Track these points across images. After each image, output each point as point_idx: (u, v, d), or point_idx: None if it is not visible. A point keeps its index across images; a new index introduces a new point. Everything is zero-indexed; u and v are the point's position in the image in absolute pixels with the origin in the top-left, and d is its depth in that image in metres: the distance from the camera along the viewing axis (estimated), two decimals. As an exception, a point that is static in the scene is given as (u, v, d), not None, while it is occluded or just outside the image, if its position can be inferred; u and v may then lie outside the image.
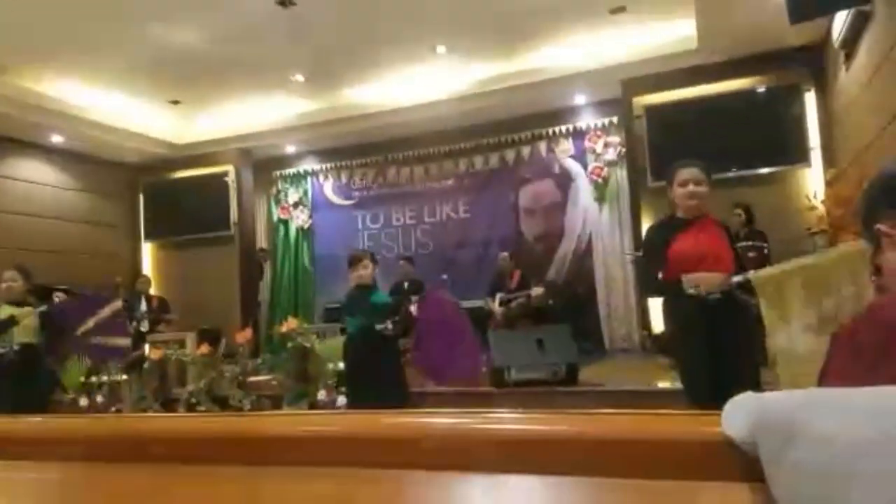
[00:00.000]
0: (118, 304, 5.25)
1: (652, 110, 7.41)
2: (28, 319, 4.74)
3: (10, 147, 8.20)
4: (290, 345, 5.55)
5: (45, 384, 5.08)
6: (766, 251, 5.85)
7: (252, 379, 5.96)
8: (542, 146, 8.74)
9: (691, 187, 3.03)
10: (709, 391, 2.86)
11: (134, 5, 6.02)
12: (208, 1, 5.98)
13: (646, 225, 7.59)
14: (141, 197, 9.77)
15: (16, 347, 4.73)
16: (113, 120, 8.34)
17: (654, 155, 7.29)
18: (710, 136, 6.88)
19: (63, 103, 7.76)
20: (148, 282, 8.68)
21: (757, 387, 2.90)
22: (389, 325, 4.16)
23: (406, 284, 8.13)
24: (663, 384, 4.93)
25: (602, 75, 7.57)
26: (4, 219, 8.07)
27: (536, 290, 7.25)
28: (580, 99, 8.30)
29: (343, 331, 5.87)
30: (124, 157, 9.31)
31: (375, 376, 4.13)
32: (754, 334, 2.96)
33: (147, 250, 9.87)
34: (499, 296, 7.45)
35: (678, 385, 4.77)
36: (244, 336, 5.82)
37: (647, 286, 3.13)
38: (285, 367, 5.59)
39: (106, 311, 5.02)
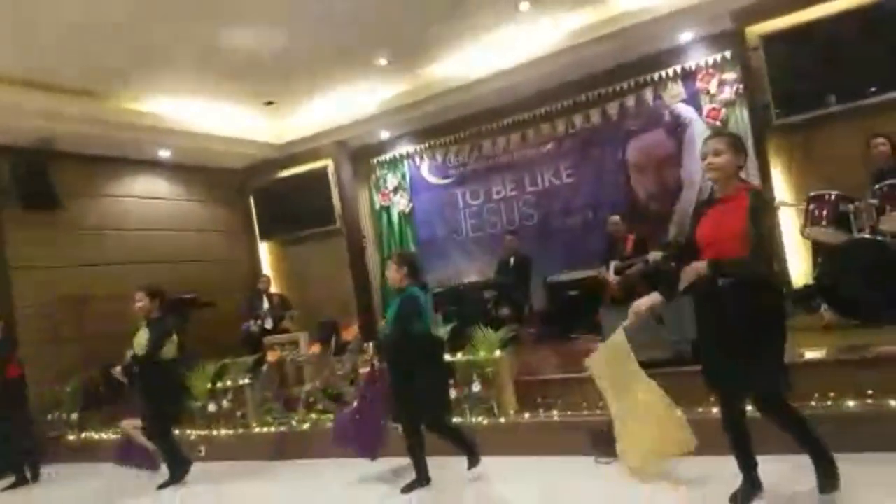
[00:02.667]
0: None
1: (770, 39, 6.48)
2: (141, 336, 4.97)
3: (123, 166, 8.68)
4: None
5: (173, 396, 5.30)
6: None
7: (365, 371, 5.96)
8: (649, 94, 8.00)
9: (708, 159, 2.86)
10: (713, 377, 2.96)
11: (212, 13, 6.06)
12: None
13: (774, 168, 6.78)
14: (252, 199, 10.08)
15: (136, 367, 4.98)
16: (214, 129, 8.59)
17: (778, 89, 6.41)
18: (840, 60, 5.98)
19: (166, 119, 8.08)
20: (268, 281, 8.98)
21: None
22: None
23: (512, 260, 7.82)
24: (810, 353, 4.31)
25: (708, 7, 6.73)
26: (125, 235, 8.59)
27: (654, 255, 6.67)
28: (686, 36, 7.45)
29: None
30: (230, 163, 9.63)
31: (409, 387, 3.90)
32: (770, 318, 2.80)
33: (264, 250, 10.22)
34: (613, 264, 6.95)
35: (820, 354, 4.19)
36: (351, 332, 5.84)
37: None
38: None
39: None
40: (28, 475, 6.02)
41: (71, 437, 6.93)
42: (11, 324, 5.94)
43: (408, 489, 4.02)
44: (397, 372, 3.98)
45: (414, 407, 3.95)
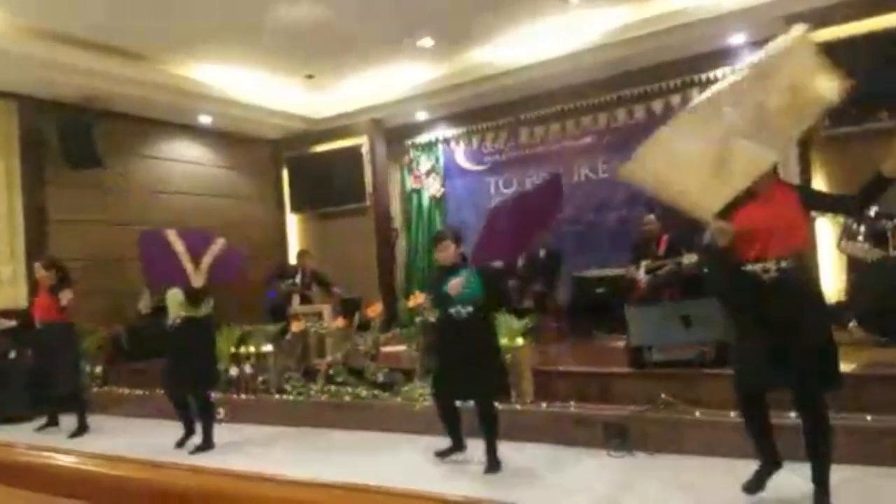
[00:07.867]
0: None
1: (822, 48, 6.31)
2: (177, 294, 5.03)
3: (165, 130, 8.82)
4: (417, 319, 5.51)
5: (213, 351, 5.31)
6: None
7: (386, 349, 6.02)
8: (695, 93, 7.85)
9: None
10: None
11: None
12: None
13: (818, 178, 6.64)
14: (285, 171, 10.17)
15: (177, 322, 5.02)
16: (254, 99, 8.70)
17: (829, 98, 6.26)
18: (894, 75, 5.77)
19: (208, 85, 8.19)
20: (304, 255, 8.68)
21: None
22: (464, 311, 3.96)
23: (542, 252, 7.77)
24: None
25: (761, 11, 6.59)
26: (163, 198, 8.73)
27: (689, 258, 6.56)
28: (737, 39, 7.30)
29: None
30: (267, 133, 9.73)
31: (466, 365, 3.96)
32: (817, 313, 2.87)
33: (293, 222, 10.31)
34: (644, 263, 6.87)
35: (845, 369, 4.11)
36: (374, 310, 5.86)
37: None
38: (415, 341, 5.56)
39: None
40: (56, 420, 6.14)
41: (94, 390, 7.12)
42: (63, 268, 5.99)
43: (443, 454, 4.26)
44: (476, 347, 4.01)
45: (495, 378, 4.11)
